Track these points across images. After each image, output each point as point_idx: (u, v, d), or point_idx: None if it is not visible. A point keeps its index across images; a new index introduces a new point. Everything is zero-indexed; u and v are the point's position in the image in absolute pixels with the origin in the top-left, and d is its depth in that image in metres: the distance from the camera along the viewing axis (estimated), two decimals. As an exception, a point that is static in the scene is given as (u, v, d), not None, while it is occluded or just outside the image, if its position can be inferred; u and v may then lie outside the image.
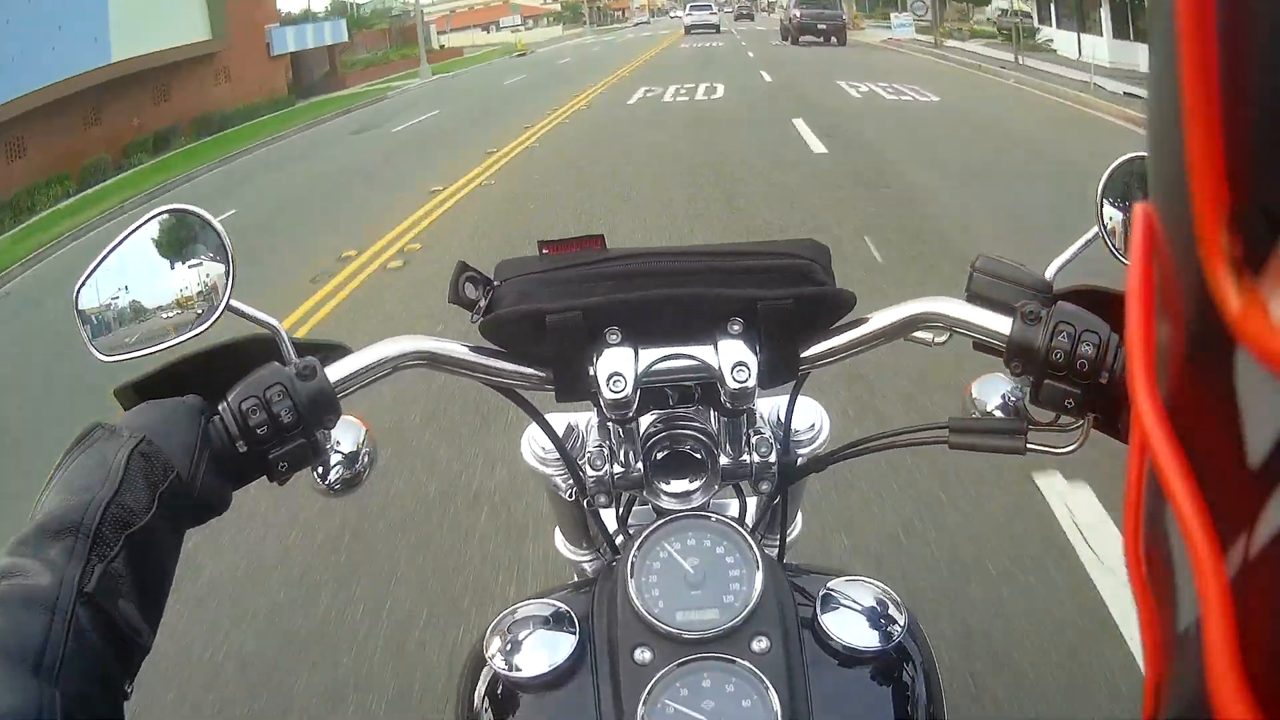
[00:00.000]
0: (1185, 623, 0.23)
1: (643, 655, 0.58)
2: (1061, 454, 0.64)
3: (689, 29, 38.07)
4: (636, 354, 0.63)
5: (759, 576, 0.60)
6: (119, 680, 0.46)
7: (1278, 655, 0.19)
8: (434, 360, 0.66)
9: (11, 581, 0.44)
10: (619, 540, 0.77)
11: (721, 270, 0.65)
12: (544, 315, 0.62)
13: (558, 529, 0.97)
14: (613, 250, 0.67)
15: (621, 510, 0.76)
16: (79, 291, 0.62)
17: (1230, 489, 0.21)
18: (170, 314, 0.63)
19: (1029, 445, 0.64)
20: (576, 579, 0.95)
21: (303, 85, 24.96)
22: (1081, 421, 0.61)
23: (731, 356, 0.62)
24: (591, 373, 0.63)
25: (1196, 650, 0.20)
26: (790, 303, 0.62)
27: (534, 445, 0.81)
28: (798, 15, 25.67)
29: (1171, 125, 0.22)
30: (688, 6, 44.80)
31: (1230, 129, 0.20)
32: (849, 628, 0.61)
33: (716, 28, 38.17)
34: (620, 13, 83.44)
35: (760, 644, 0.58)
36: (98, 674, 0.44)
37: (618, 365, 0.62)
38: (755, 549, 0.62)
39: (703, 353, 0.64)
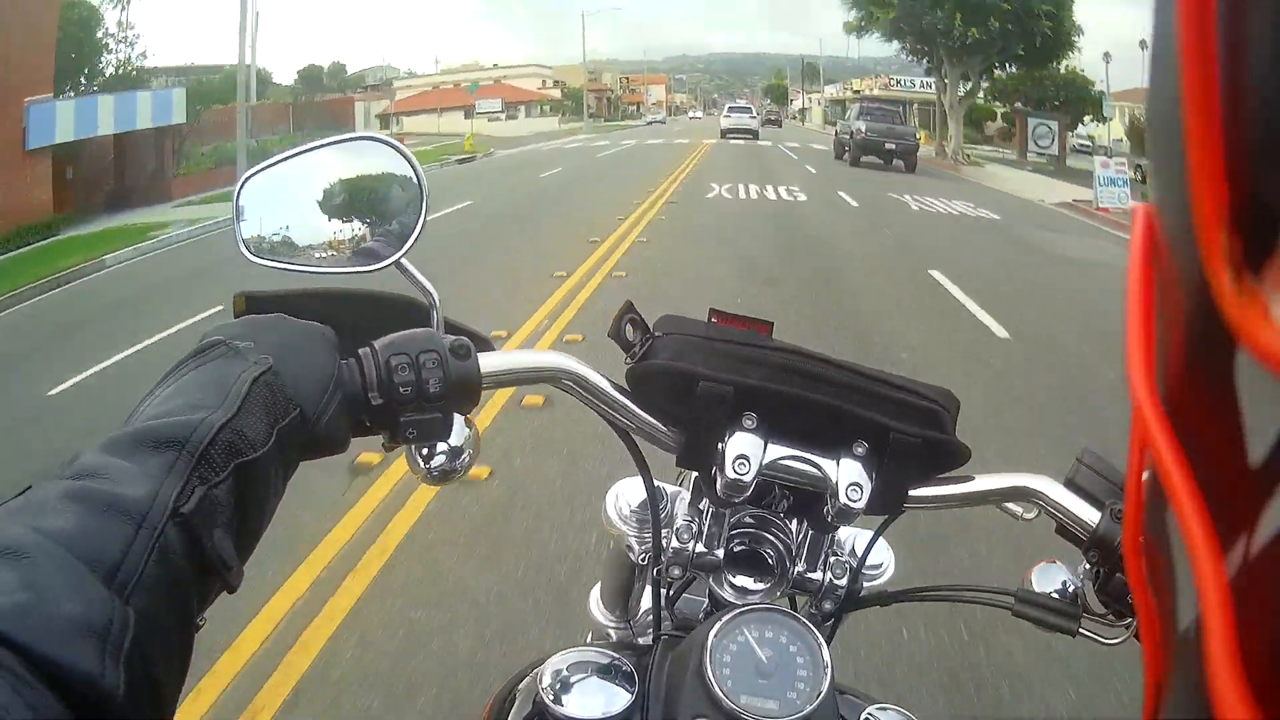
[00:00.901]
0: (1185, 623, 0.23)
1: None
2: (1109, 644, 0.68)
3: (726, 133, 35.11)
4: (765, 445, 0.66)
5: (826, 682, 0.62)
6: (194, 610, 0.42)
7: (1278, 655, 0.19)
8: (579, 384, 0.67)
9: (97, 481, 0.40)
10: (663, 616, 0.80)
11: (865, 392, 0.67)
12: (698, 379, 0.65)
13: (598, 588, 0.98)
14: (774, 340, 0.70)
15: (672, 591, 0.78)
16: (244, 185, 0.60)
17: (1230, 489, 0.21)
18: (330, 243, 0.61)
19: (1080, 630, 0.68)
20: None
21: (123, 188, 15.76)
22: (1131, 619, 0.65)
23: (850, 475, 0.66)
24: (720, 448, 0.65)
25: (1196, 650, 0.20)
26: (919, 442, 0.66)
27: (620, 503, 0.83)
28: (862, 130, 21.14)
29: (1171, 125, 0.21)
30: (725, 108, 42.91)
31: (1230, 129, 0.20)
32: None
33: (755, 134, 35.89)
34: (635, 107, 79.54)
35: None
36: (175, 600, 0.40)
37: (747, 449, 0.65)
38: (827, 656, 0.64)
39: (824, 464, 0.67)
